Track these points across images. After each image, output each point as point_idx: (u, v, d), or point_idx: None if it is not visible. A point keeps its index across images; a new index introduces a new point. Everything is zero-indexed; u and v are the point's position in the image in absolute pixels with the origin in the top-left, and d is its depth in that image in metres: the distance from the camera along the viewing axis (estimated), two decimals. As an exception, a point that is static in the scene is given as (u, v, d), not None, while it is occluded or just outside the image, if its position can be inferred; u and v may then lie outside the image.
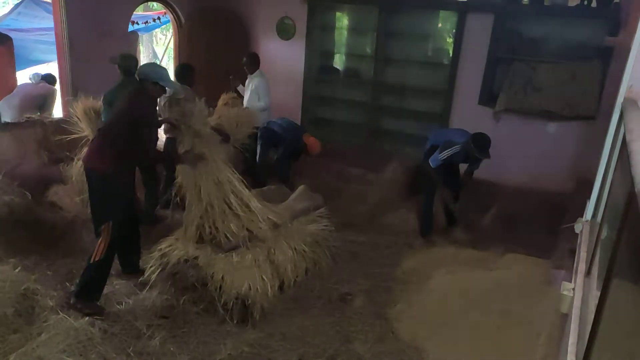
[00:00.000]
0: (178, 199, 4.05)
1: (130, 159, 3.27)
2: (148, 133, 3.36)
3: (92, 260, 3.15)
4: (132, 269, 3.63)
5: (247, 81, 5.63)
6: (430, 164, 4.39)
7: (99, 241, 3.16)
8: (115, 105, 3.39)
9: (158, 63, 3.55)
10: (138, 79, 3.31)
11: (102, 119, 4.33)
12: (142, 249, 3.71)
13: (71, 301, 3.15)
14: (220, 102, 5.21)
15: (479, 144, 4.21)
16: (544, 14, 5.31)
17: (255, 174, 5.30)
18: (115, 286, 3.50)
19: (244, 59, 5.58)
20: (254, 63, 5.58)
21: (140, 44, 10.26)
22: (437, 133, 4.82)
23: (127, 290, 3.46)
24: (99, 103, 4.37)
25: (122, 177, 3.23)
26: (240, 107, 5.42)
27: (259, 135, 5.35)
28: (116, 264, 3.67)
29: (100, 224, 3.18)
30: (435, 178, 4.49)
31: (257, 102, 5.53)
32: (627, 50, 2.34)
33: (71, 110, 4.75)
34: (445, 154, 4.29)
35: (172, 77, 4.15)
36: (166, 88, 3.34)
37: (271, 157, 5.49)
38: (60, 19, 5.07)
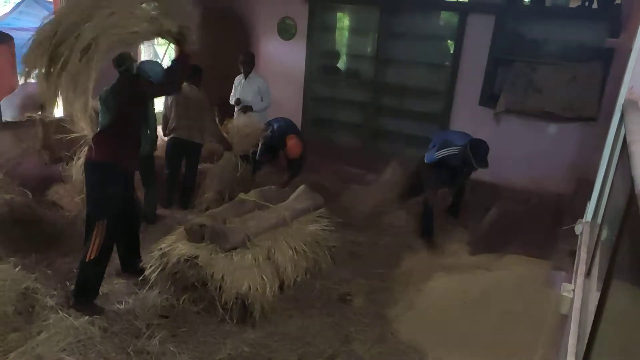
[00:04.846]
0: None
1: (126, 148, 3.28)
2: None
3: (86, 259, 3.11)
4: (132, 269, 3.62)
5: (243, 82, 5.57)
6: (425, 159, 4.37)
7: (92, 239, 3.11)
8: (116, 100, 3.45)
9: (158, 61, 3.62)
10: (137, 74, 3.40)
11: (100, 119, 4.33)
12: (142, 248, 3.70)
13: (70, 303, 3.16)
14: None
15: (476, 152, 4.12)
16: (545, 15, 5.31)
17: (254, 174, 5.31)
18: (115, 285, 3.50)
19: (242, 57, 5.52)
20: (253, 62, 5.56)
21: (141, 44, 10.25)
22: (440, 135, 4.81)
23: (127, 290, 3.46)
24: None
25: (116, 170, 3.19)
26: (249, 116, 5.41)
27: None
28: (116, 263, 3.68)
29: (93, 220, 3.16)
30: (426, 176, 4.46)
31: (261, 103, 5.54)
32: (628, 52, 2.34)
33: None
34: (442, 153, 4.26)
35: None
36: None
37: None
38: (62, 18, 5.07)
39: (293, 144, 5.02)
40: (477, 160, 4.14)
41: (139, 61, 5.33)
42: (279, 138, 5.14)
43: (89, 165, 3.24)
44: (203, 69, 4.91)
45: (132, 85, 3.42)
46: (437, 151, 4.30)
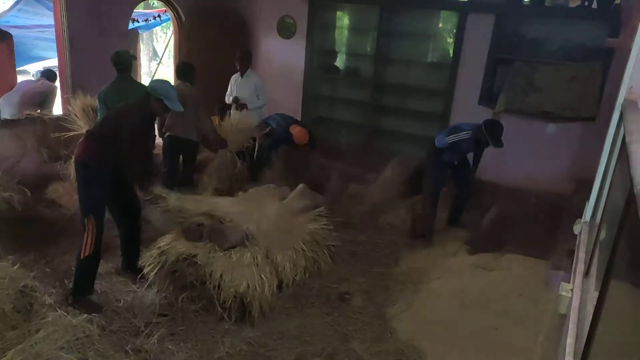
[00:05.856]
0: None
1: (113, 154, 3.26)
2: (140, 142, 3.38)
3: (82, 256, 3.15)
4: (131, 268, 3.62)
5: (239, 80, 5.54)
6: (435, 143, 4.34)
7: (85, 236, 3.15)
8: (115, 108, 3.43)
9: (170, 83, 3.56)
10: (146, 93, 3.35)
11: (98, 117, 4.32)
12: (141, 247, 3.70)
13: (69, 301, 3.17)
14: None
15: (492, 132, 4.10)
16: (545, 14, 5.31)
17: (253, 171, 5.30)
18: (114, 283, 3.50)
19: (239, 55, 5.49)
20: (249, 60, 5.54)
21: (140, 42, 10.26)
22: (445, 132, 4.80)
23: (126, 288, 3.46)
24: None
25: (102, 169, 3.20)
26: (242, 113, 5.39)
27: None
28: (116, 261, 3.68)
29: (82, 217, 3.18)
30: (434, 161, 4.44)
31: (257, 101, 5.52)
32: (628, 52, 2.34)
33: (70, 107, 4.75)
34: (452, 138, 4.24)
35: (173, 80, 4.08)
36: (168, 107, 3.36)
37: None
38: (61, 16, 5.06)
39: (298, 131, 5.10)
40: (493, 139, 4.12)
41: (138, 61, 5.32)
42: (282, 133, 5.15)
43: (75, 165, 3.26)
44: (204, 67, 4.90)
45: (142, 102, 3.37)
46: (447, 136, 4.28)
